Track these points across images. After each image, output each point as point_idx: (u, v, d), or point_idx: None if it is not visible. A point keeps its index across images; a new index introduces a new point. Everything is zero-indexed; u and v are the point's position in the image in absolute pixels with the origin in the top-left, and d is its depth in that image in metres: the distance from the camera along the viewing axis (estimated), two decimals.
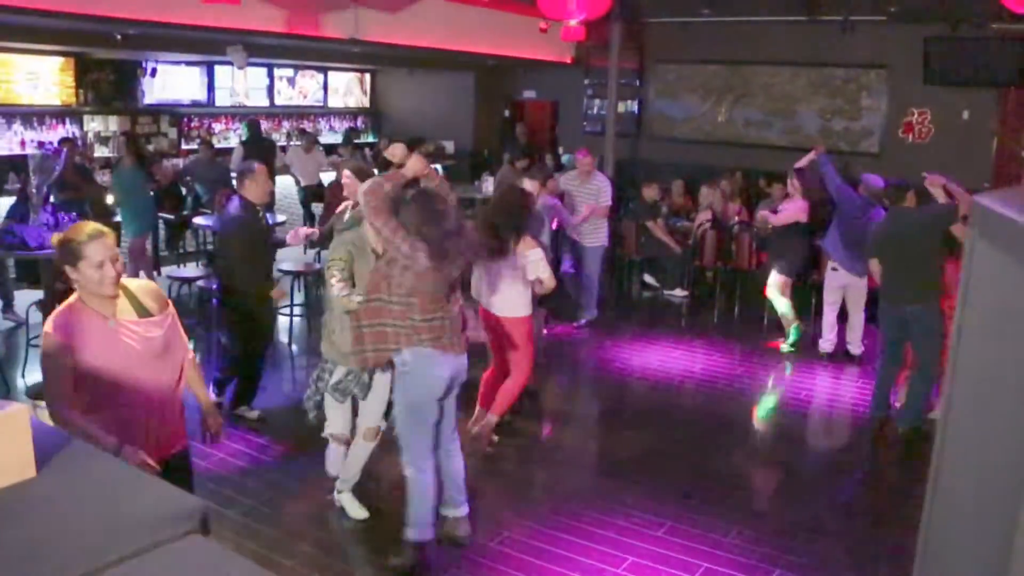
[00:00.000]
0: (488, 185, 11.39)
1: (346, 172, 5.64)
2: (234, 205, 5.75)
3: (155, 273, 9.36)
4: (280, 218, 10.46)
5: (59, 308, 3.01)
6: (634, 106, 13.66)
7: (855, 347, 7.75)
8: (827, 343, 7.83)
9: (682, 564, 4.36)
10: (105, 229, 3.02)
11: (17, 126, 10.43)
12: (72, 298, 3.03)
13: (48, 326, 2.96)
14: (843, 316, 7.72)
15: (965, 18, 10.01)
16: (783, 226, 7.83)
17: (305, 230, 6.04)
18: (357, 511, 4.71)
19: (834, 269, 7.50)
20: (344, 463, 4.73)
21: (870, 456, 6.17)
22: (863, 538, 4.82)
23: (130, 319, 3.07)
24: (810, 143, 11.87)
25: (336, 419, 4.69)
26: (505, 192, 5.83)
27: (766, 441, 6.35)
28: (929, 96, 10.92)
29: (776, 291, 7.93)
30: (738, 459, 5.95)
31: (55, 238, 3.05)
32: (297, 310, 8.17)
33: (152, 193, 9.40)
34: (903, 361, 6.29)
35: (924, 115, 11.11)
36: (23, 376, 6.74)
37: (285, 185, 11.99)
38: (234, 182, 6.17)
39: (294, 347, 7.96)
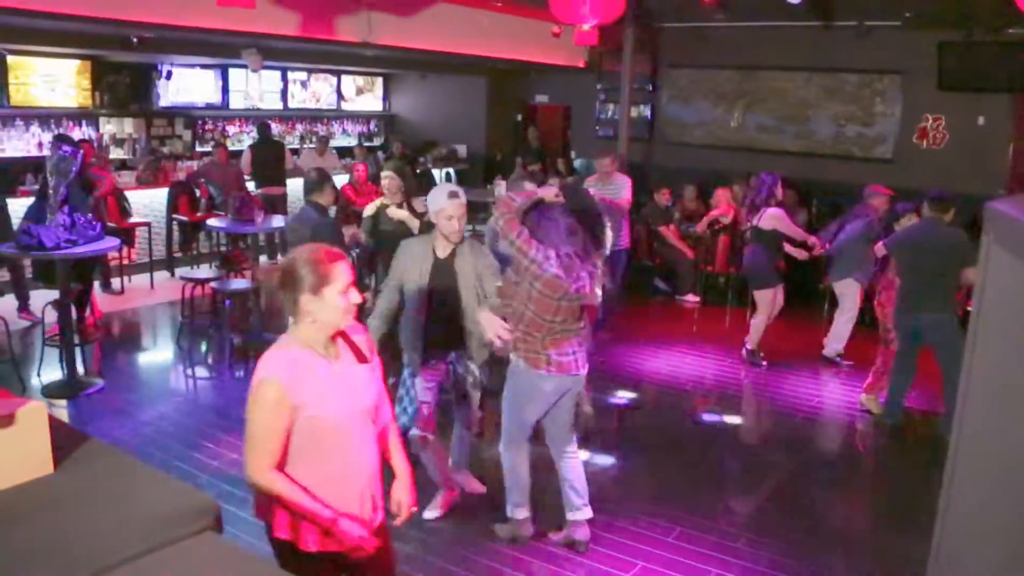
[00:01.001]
0: (500, 189, 11.39)
1: (388, 172, 5.75)
2: (310, 212, 5.71)
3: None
4: None
5: (272, 350, 2.56)
6: (647, 111, 13.64)
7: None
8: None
9: (692, 570, 4.36)
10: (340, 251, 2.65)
11: (35, 128, 10.51)
12: (286, 338, 2.60)
13: (267, 371, 2.49)
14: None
15: (980, 23, 9.96)
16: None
17: (354, 231, 6.13)
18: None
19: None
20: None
21: (882, 462, 6.14)
22: (875, 544, 4.80)
23: (350, 363, 2.68)
24: (823, 149, 11.92)
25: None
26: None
27: (777, 447, 6.33)
28: (944, 102, 10.86)
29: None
30: (749, 465, 5.93)
31: (287, 262, 2.58)
32: None
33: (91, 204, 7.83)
34: (916, 369, 6.28)
35: (939, 121, 11.05)
36: (39, 375, 6.79)
37: (298, 188, 12.02)
38: (305, 189, 5.95)
39: None
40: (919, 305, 5.93)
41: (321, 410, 2.51)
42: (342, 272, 2.54)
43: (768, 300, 7.75)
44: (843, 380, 7.55)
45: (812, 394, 7.24)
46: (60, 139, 7.95)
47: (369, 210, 6.16)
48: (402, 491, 2.87)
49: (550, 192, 4.22)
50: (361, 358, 2.70)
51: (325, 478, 2.54)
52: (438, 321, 4.45)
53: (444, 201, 4.32)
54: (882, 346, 6.74)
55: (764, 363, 7.83)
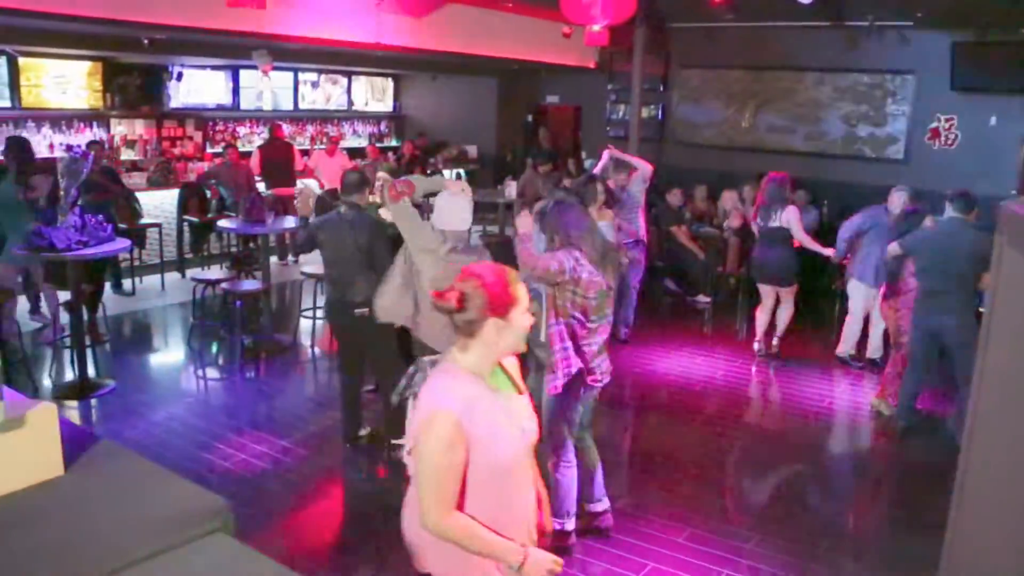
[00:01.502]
0: (511, 190, 11.40)
1: (381, 173, 5.69)
2: (366, 217, 5.50)
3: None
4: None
5: (441, 379, 2.33)
6: (657, 111, 13.63)
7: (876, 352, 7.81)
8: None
9: (702, 571, 4.34)
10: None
11: (46, 130, 10.56)
12: (450, 365, 2.37)
13: (441, 402, 2.25)
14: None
15: (994, 23, 9.90)
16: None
17: None
18: None
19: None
20: None
21: (893, 464, 6.11)
22: (887, 546, 4.78)
23: (510, 393, 2.48)
24: (834, 149, 11.88)
25: None
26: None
27: (788, 448, 6.30)
28: (956, 102, 10.81)
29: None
30: (760, 466, 5.92)
31: (477, 282, 2.31)
32: (320, 312, 8.20)
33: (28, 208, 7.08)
34: (928, 371, 6.25)
35: (951, 121, 11.00)
36: (50, 376, 6.82)
37: (309, 187, 12.06)
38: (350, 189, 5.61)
39: (316, 350, 7.99)
40: (943, 307, 5.85)
41: (495, 446, 2.29)
42: (524, 291, 2.36)
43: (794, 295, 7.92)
44: (855, 381, 7.52)
45: (824, 395, 7.21)
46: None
47: None
48: (544, 515, 2.73)
49: (526, 223, 4.23)
50: (518, 388, 2.52)
51: (497, 516, 2.35)
52: None
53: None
54: (893, 350, 6.70)
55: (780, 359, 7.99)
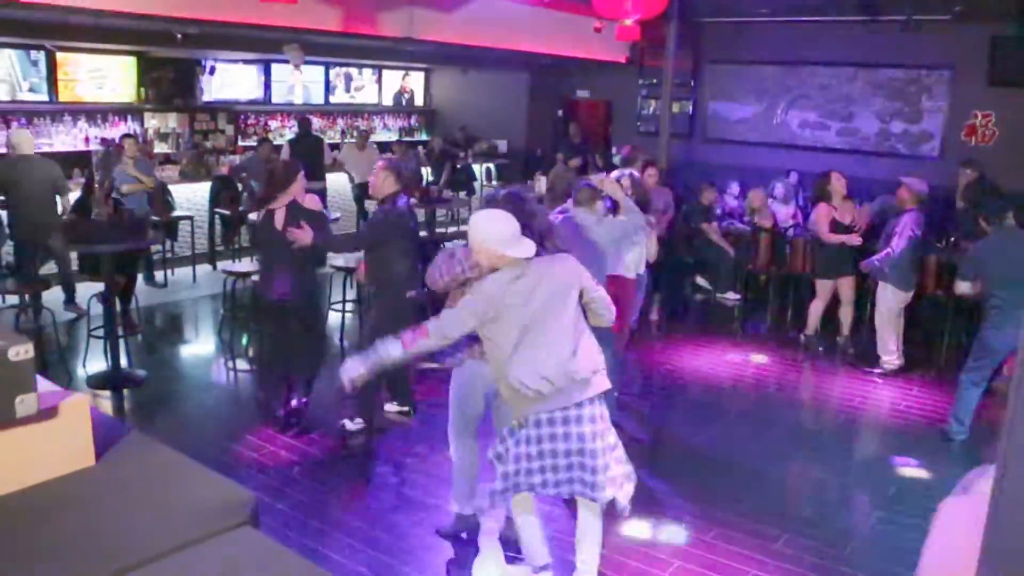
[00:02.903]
0: (540, 184, 11.38)
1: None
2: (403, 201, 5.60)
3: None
4: (335, 214, 10.60)
5: None
6: (688, 107, 13.54)
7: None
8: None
9: (730, 570, 4.32)
10: None
11: (82, 123, 10.69)
12: None
13: None
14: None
15: None
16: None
17: None
18: None
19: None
20: None
21: (929, 469, 6.02)
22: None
23: None
24: (867, 146, 11.74)
25: None
26: None
27: (819, 449, 6.25)
28: (994, 98, 10.64)
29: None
30: (789, 465, 5.87)
31: None
32: (349, 306, 8.24)
33: None
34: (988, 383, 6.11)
35: (988, 117, 10.83)
36: (84, 366, 6.90)
37: (339, 182, 12.14)
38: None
39: (346, 342, 8.03)
40: (1020, 320, 5.56)
41: None
42: None
43: (827, 289, 7.93)
44: (887, 382, 7.43)
45: (856, 395, 7.14)
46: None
47: None
48: None
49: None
50: None
51: None
52: None
53: None
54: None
55: (821, 349, 7.99)
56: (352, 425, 5.83)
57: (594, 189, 5.41)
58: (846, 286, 7.88)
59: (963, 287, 6.02)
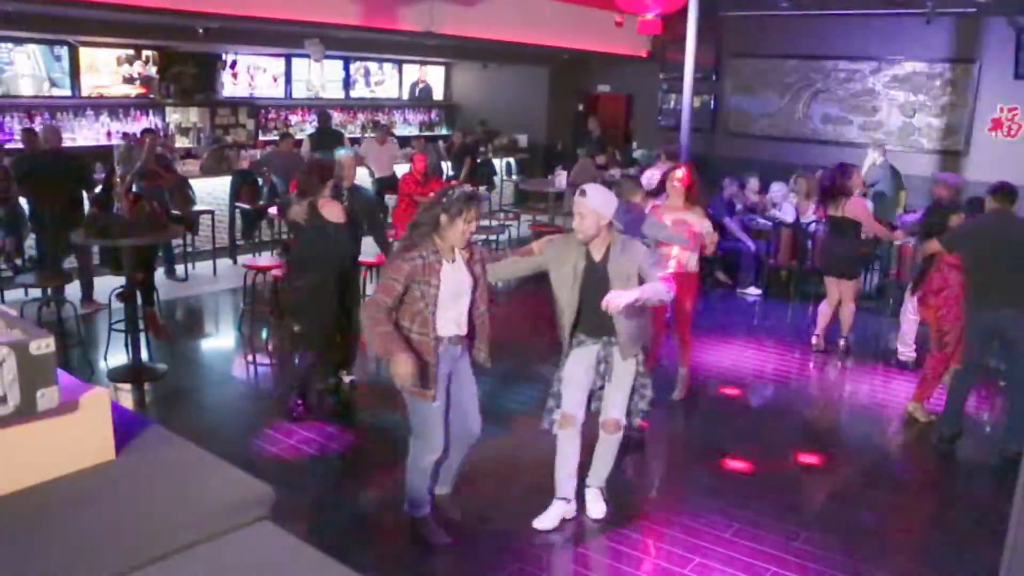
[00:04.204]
0: (561, 179, 11.35)
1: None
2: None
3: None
4: None
5: None
6: (710, 101, 13.47)
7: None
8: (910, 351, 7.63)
9: (749, 567, 4.29)
10: None
11: (104, 117, 10.76)
12: None
13: None
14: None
15: None
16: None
17: None
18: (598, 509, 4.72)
19: None
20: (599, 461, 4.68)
21: (949, 469, 5.96)
22: (940, 552, 4.67)
23: None
24: (891, 140, 11.63)
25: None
26: None
27: (837, 446, 6.20)
28: (1019, 91, 10.52)
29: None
30: (810, 463, 5.82)
31: None
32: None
33: None
34: (981, 372, 6.06)
35: (1014, 111, 10.71)
36: (105, 359, 6.95)
37: (359, 176, 12.12)
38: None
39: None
40: (998, 301, 5.66)
41: None
42: None
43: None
44: (907, 378, 7.36)
45: (876, 391, 7.08)
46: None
47: None
48: None
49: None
50: None
51: None
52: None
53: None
54: (935, 350, 6.35)
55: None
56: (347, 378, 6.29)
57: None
58: (850, 286, 7.79)
59: (932, 247, 6.15)
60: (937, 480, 5.75)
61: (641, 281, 4.24)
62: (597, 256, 4.33)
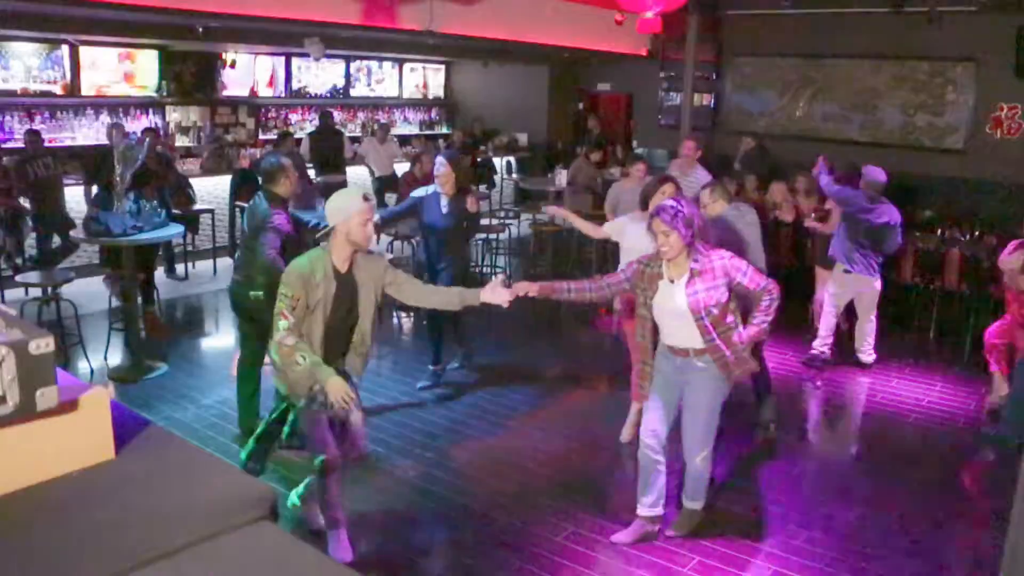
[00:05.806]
0: (561, 178, 11.34)
1: (442, 162, 6.11)
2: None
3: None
4: None
5: None
6: (710, 100, 13.47)
7: (867, 355, 7.52)
8: (827, 348, 7.57)
9: (750, 566, 4.29)
10: None
11: (104, 116, 10.75)
12: None
13: None
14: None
15: None
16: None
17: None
18: None
19: (846, 272, 7.22)
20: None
21: (951, 467, 5.95)
22: (943, 552, 4.67)
23: None
24: (891, 139, 11.62)
25: None
26: None
27: (840, 444, 6.20)
28: (1020, 89, 10.50)
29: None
30: (810, 462, 5.82)
31: None
32: None
33: None
34: None
35: (1014, 110, 10.69)
36: (105, 358, 6.95)
37: (360, 176, 12.15)
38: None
39: None
40: None
41: None
42: None
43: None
44: (907, 379, 7.36)
45: (876, 392, 7.08)
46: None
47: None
48: None
49: None
50: None
51: None
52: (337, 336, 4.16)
53: (359, 204, 3.88)
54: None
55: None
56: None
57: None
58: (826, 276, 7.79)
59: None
60: (938, 479, 5.75)
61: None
62: (343, 268, 4.02)
